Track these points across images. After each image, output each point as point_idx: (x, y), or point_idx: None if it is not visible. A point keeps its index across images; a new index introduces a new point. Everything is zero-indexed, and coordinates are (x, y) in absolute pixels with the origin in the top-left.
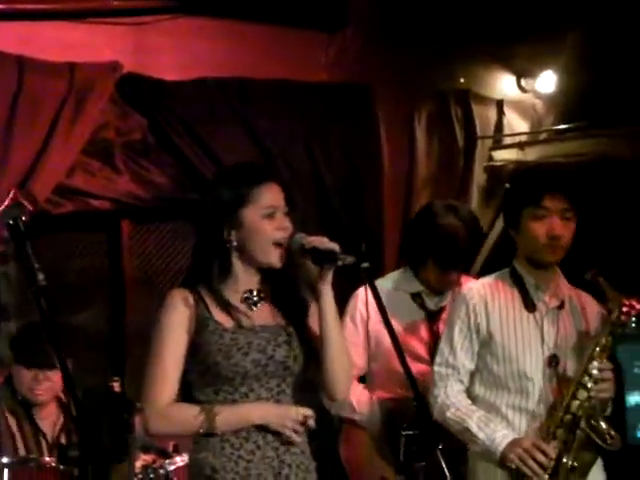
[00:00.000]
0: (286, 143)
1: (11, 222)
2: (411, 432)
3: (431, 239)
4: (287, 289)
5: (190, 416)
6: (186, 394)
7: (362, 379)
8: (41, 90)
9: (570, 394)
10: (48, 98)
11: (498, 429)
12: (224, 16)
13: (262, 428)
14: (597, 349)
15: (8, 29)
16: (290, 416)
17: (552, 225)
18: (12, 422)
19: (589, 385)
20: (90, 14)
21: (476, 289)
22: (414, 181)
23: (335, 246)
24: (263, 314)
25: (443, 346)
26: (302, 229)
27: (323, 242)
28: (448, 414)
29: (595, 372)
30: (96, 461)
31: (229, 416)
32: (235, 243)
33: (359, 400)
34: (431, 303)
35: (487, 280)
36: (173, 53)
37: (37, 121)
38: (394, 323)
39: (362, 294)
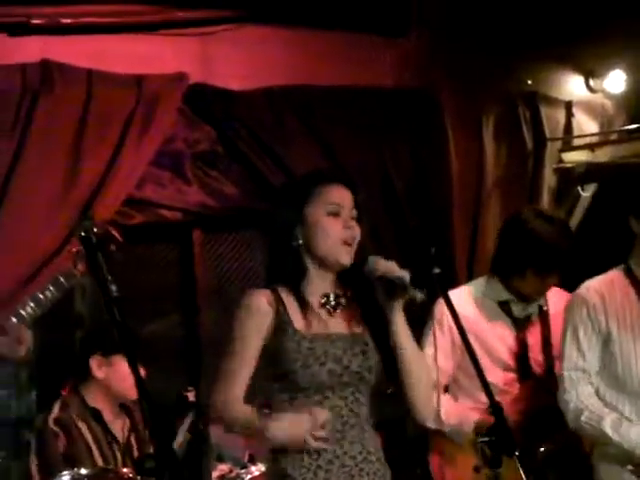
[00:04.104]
0: (353, 149)
1: (83, 234)
2: (487, 439)
3: (530, 248)
4: (367, 295)
5: (243, 420)
6: (260, 396)
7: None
8: (110, 103)
9: None
10: (117, 110)
11: (631, 427)
12: (288, 24)
13: (339, 437)
14: None
15: (77, 43)
16: (304, 426)
17: None
18: (84, 429)
19: None
20: (156, 26)
21: (593, 288)
22: (483, 185)
23: (405, 275)
24: (340, 321)
25: (569, 350)
26: (373, 239)
27: (393, 270)
28: (583, 418)
29: None
30: (172, 472)
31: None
32: (301, 241)
33: (447, 411)
34: (518, 311)
35: (602, 279)
36: (239, 62)
37: (106, 133)
38: (481, 331)
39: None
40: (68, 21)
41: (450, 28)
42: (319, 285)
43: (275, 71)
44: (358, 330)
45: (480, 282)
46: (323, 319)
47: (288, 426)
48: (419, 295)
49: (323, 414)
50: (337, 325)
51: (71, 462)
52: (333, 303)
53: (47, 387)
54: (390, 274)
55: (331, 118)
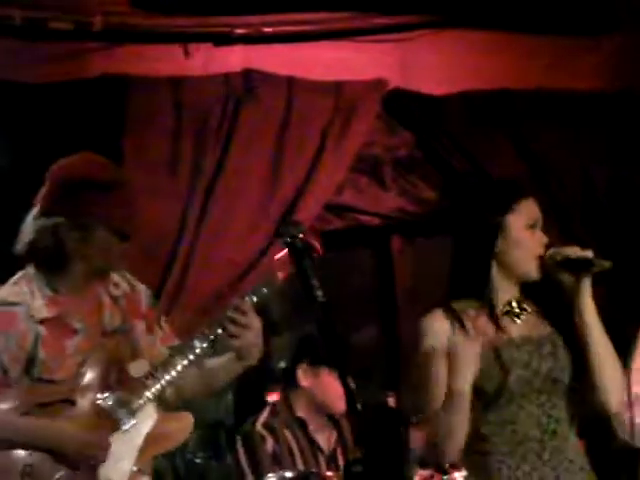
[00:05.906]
0: (554, 154)
1: (289, 240)
2: None
3: None
4: (550, 296)
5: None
6: None
7: None
8: (309, 109)
9: None
10: (316, 117)
11: None
12: (486, 28)
13: (537, 448)
14: None
15: (277, 51)
16: None
17: None
18: (290, 437)
19: None
20: (355, 33)
21: None
22: None
23: (589, 253)
24: (524, 326)
25: None
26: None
27: (575, 251)
28: None
29: None
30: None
31: None
32: (498, 251)
33: None
34: None
35: None
36: (437, 67)
37: (306, 139)
38: None
39: None
40: (269, 30)
41: None
42: (502, 293)
43: (473, 75)
44: (545, 332)
45: None
46: (507, 327)
47: None
48: (606, 264)
49: None
50: (521, 329)
51: (279, 463)
52: (517, 310)
53: (242, 390)
54: (573, 254)
55: (531, 122)
